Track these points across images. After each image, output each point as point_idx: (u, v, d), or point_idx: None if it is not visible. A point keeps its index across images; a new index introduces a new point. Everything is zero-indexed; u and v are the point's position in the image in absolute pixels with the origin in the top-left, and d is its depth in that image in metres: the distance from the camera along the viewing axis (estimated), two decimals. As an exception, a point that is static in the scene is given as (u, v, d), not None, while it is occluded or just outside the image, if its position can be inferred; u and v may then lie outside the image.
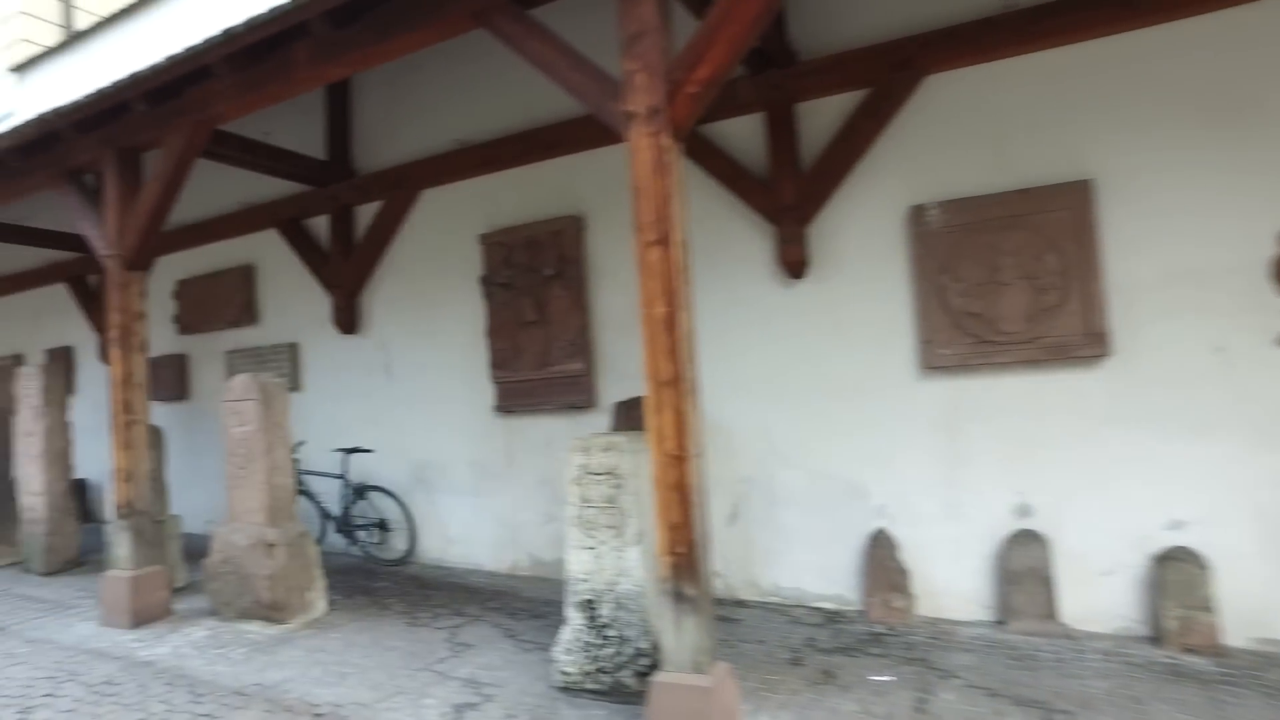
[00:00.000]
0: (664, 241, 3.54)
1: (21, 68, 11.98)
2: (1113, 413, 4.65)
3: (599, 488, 4.12)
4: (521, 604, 5.86)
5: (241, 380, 5.62)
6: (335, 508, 7.40)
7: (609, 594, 4.09)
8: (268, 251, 8.47)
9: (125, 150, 5.85)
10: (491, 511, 6.89)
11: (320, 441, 7.70)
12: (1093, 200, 4.66)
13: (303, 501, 7.63)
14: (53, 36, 12.43)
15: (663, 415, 3.49)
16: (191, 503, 8.14)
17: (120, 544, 5.70)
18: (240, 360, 8.61)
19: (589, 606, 4.14)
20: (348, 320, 7.64)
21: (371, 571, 7.02)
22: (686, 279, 3.58)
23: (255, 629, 5.39)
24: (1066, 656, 4.31)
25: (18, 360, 11.93)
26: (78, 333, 10.99)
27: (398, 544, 7.29)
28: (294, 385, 8.16)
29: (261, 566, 5.37)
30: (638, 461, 4.09)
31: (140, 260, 5.82)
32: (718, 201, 5.76)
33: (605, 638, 4.06)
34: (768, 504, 5.65)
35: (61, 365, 7.67)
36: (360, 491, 7.22)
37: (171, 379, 9.51)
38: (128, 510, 5.70)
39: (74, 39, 11.63)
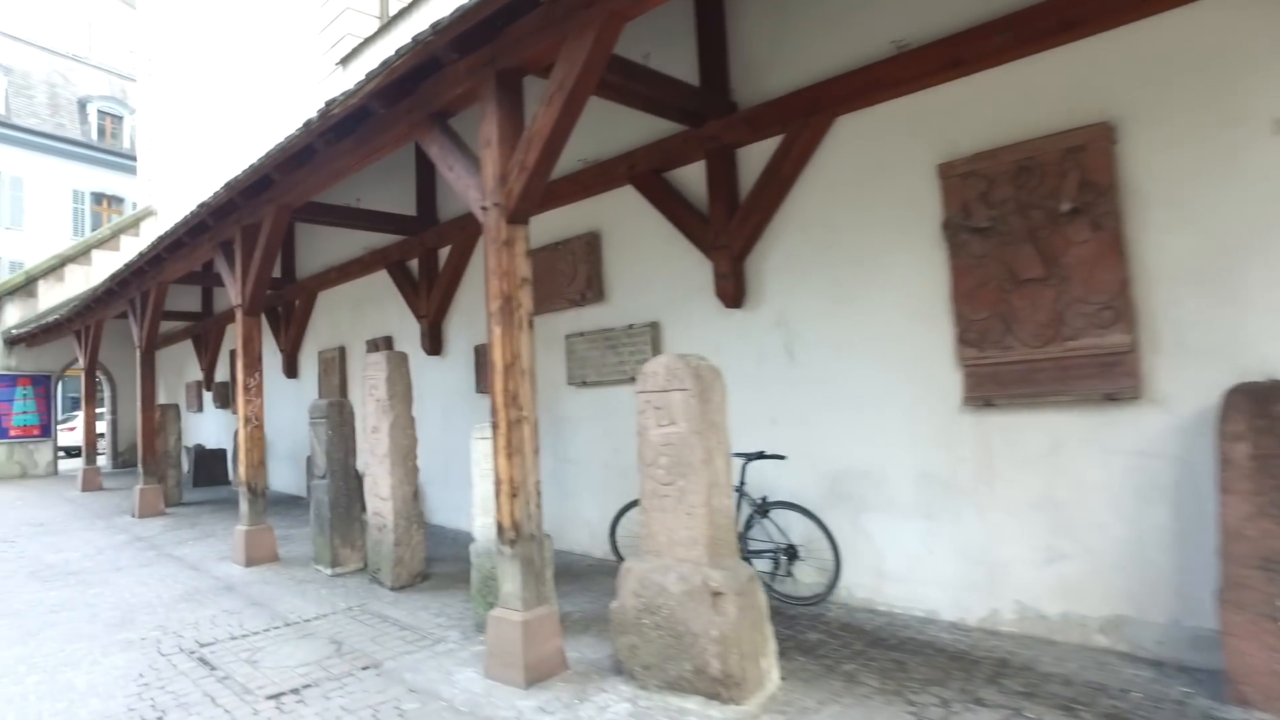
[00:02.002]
0: None
1: (346, 60, 11.79)
2: None
3: None
4: (1058, 685, 3.94)
5: (666, 364, 4.11)
6: (723, 527, 5.83)
7: None
8: (617, 214, 7.14)
9: (507, 73, 4.57)
10: (953, 541, 5.01)
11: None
12: None
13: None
14: (371, 27, 12.22)
15: None
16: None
17: (508, 578, 4.40)
18: (584, 345, 7.35)
19: None
20: (733, 290, 6.06)
21: (785, 614, 5.37)
22: None
23: (695, 708, 3.85)
24: None
25: (341, 353, 11.69)
26: (398, 321, 10.43)
27: (806, 577, 5.62)
28: (656, 374, 6.73)
29: (707, 623, 3.82)
30: None
31: (525, 209, 4.50)
32: None
33: None
34: None
35: (402, 356, 6.71)
36: (763, 509, 5.61)
37: (501, 369, 8.49)
38: (515, 535, 4.39)
39: (389, 24, 11.23)
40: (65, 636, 5.63)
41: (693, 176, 6.47)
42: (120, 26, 37.70)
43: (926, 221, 5.09)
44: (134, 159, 30.12)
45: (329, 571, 7.13)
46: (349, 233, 11.03)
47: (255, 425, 8.00)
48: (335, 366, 11.85)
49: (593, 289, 7.23)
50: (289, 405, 13.35)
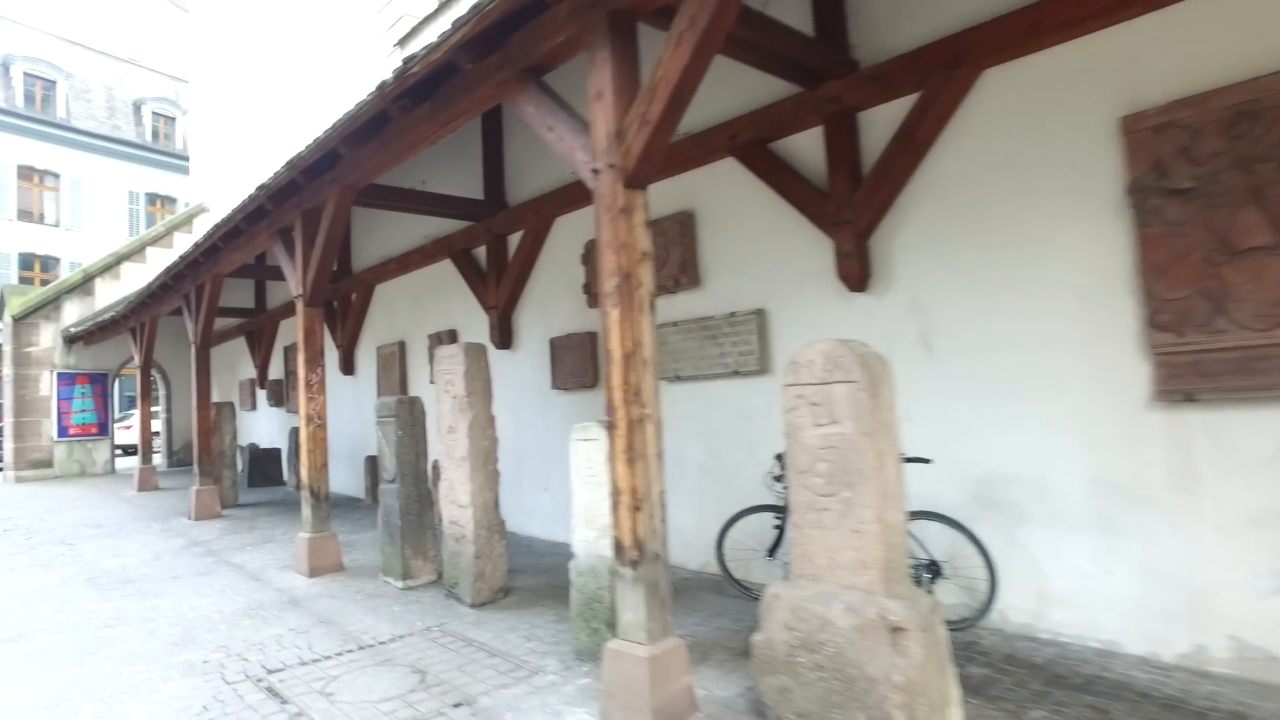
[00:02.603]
0: None
1: (404, 40, 11.29)
2: None
3: None
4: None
5: (825, 351, 3.42)
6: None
7: None
8: (714, 191, 6.46)
9: (620, 15, 3.93)
10: (1139, 560, 4.25)
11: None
12: None
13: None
14: (430, 4, 11.69)
15: None
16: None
17: (630, 606, 3.75)
18: (677, 336, 6.67)
19: None
20: (858, 271, 5.35)
21: (928, 643, 4.63)
22: None
23: (868, 768, 3.15)
24: None
25: (401, 348, 11.18)
26: (462, 314, 9.87)
27: (949, 598, 4.88)
28: (761, 366, 6.05)
29: (887, 666, 3.12)
30: None
31: (646, 171, 3.85)
32: None
33: None
34: None
35: (481, 349, 6.09)
36: (900, 520, 4.87)
37: (577, 363, 7.88)
38: (638, 555, 3.73)
39: (445, 3, 10.68)
40: (123, 656, 5.12)
41: (804, 146, 5.77)
42: (173, 28, 37.96)
43: (1102, 185, 4.33)
44: (186, 159, 30.25)
45: (400, 584, 6.55)
46: (408, 222, 10.52)
47: (318, 424, 7.46)
48: (395, 363, 11.34)
49: (687, 274, 6.55)
50: (345, 403, 12.90)
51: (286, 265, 7.81)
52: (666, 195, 6.78)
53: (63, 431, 18.41)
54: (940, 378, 5.05)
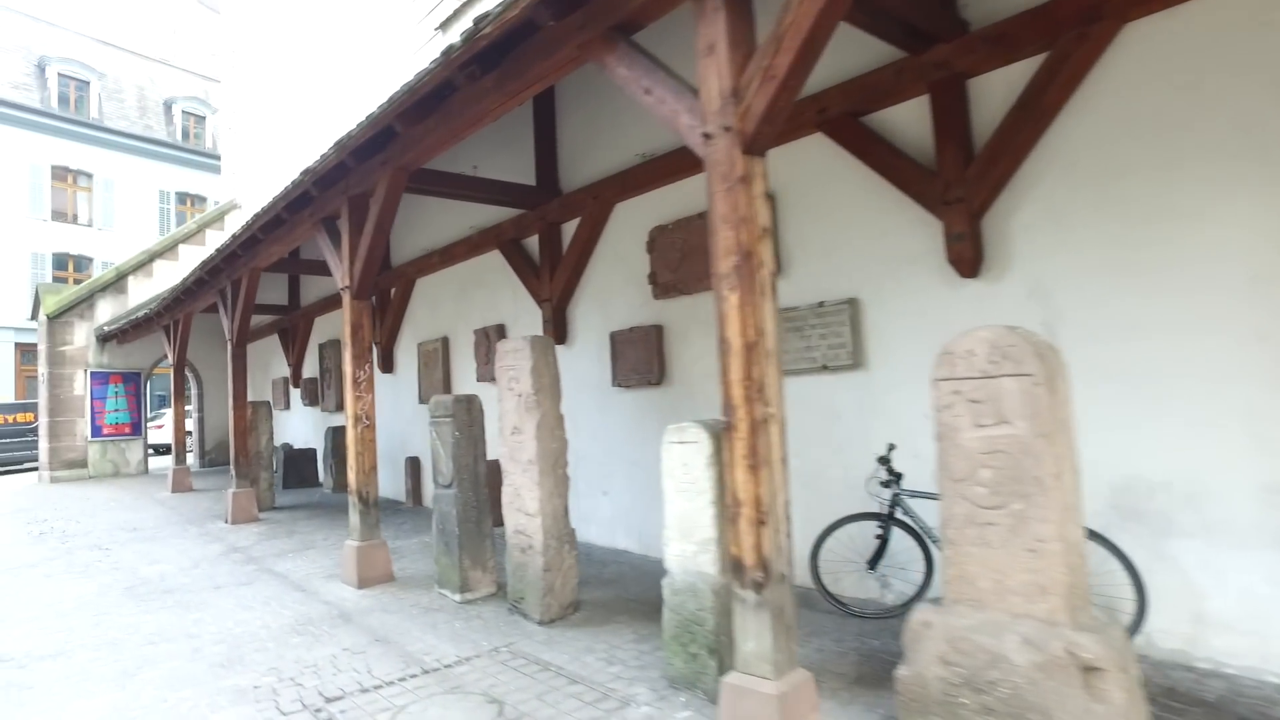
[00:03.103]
0: None
1: (446, 23, 10.85)
2: None
3: None
4: None
5: (989, 339, 2.91)
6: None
7: None
8: (798, 170, 5.94)
9: (730, -45, 3.40)
10: (1324, 585, 3.69)
11: (914, 445, 5.01)
12: None
13: (902, 542, 5.01)
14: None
15: None
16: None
17: (753, 634, 3.25)
18: (752, 330, 6.15)
19: None
20: (971, 254, 4.81)
21: (1067, 671, 4.08)
22: None
23: (1053, 834, 2.63)
24: None
25: (445, 344, 10.75)
26: (511, 307, 9.41)
27: (1081, 620, 4.32)
28: (854, 360, 5.53)
29: (1081, 713, 2.60)
30: None
31: (767, 134, 3.35)
32: None
33: None
34: None
35: (548, 342, 5.62)
36: (1029, 532, 4.33)
37: (641, 358, 7.39)
38: (762, 576, 3.23)
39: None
40: (166, 679, 4.69)
41: (904, 118, 5.25)
42: (203, 28, 37.97)
43: (1278, 147, 3.77)
44: (216, 158, 30.20)
45: (457, 598, 6.09)
46: (451, 212, 10.08)
47: (366, 425, 7.02)
48: (438, 359, 10.91)
49: (766, 261, 6.03)
50: (385, 402, 12.45)
51: (331, 256, 7.38)
52: (742, 176, 6.26)
53: (96, 431, 18.22)
54: (1071, 371, 4.49)
